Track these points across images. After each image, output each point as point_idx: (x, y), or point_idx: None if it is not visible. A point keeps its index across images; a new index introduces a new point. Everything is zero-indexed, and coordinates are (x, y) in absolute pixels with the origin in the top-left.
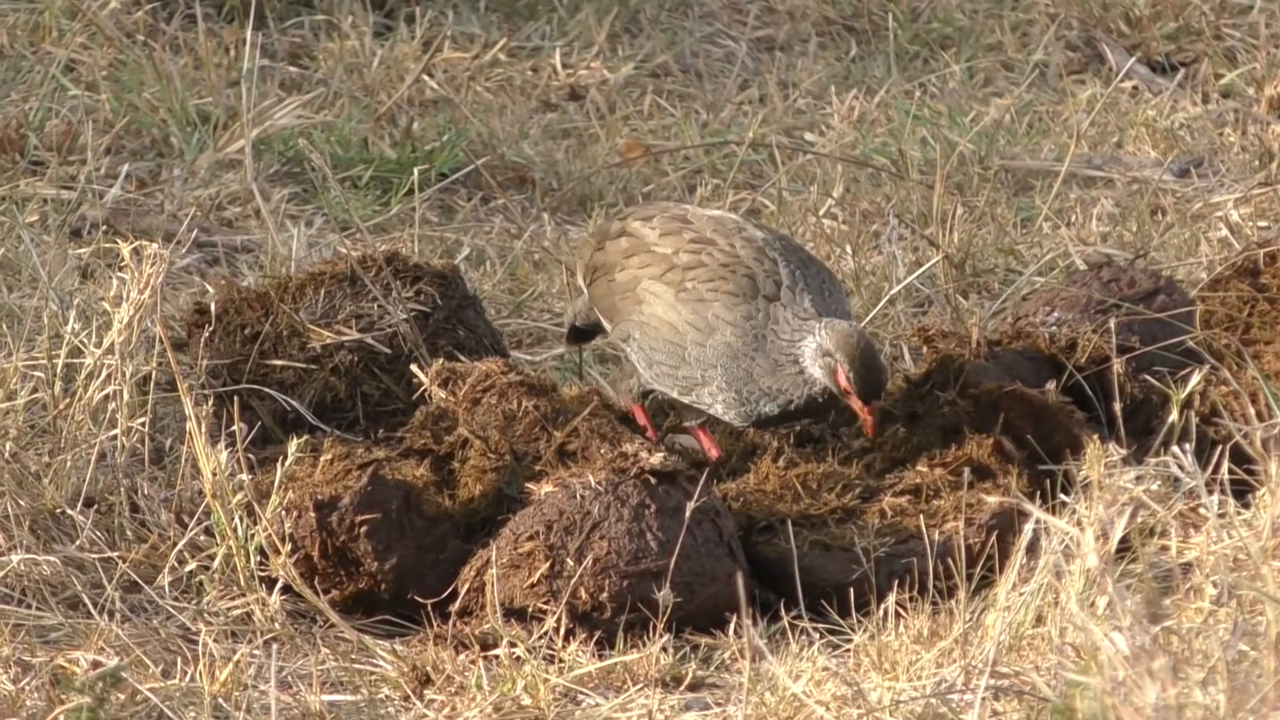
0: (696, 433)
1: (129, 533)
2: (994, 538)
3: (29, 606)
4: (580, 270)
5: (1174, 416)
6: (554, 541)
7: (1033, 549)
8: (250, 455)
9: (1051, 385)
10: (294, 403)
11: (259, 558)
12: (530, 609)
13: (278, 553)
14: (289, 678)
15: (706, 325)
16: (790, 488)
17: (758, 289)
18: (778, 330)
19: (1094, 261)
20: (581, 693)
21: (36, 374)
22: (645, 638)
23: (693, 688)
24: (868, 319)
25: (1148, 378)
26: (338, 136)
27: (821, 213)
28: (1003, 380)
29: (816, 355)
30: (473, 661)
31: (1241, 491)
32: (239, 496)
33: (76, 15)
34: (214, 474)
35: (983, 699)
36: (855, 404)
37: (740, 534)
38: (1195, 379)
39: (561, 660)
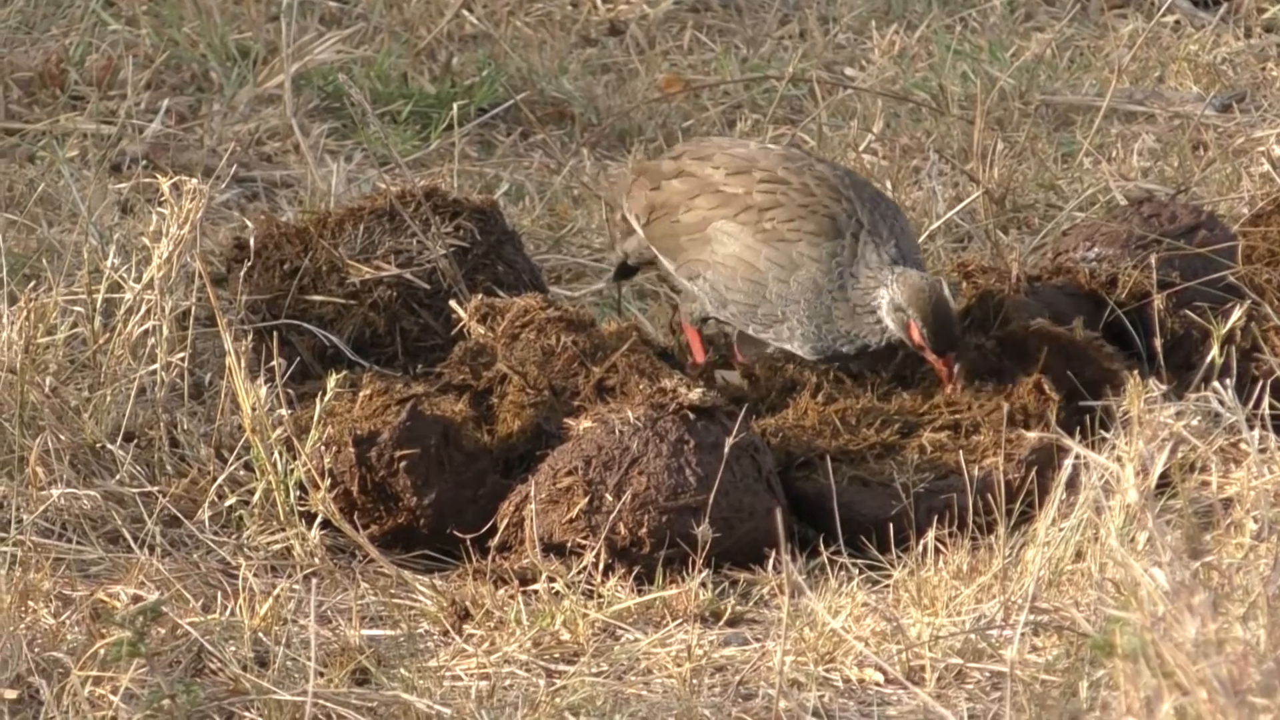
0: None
1: (169, 467)
2: (1033, 473)
3: (69, 541)
4: (633, 211)
5: (1214, 352)
6: (593, 477)
7: (1072, 484)
8: (289, 390)
9: (1079, 321)
10: (333, 338)
11: (298, 493)
12: (569, 544)
13: (317, 488)
14: (328, 612)
15: (790, 262)
16: (829, 423)
17: (840, 229)
18: (857, 275)
19: (1135, 197)
20: (620, 628)
21: (76, 309)
22: (684, 573)
23: (731, 623)
24: None
25: (1188, 313)
26: (377, 71)
27: (861, 148)
28: (1043, 316)
29: (890, 309)
30: (512, 596)
31: None
32: (278, 432)
33: None
34: (253, 409)
35: (1022, 634)
36: (930, 357)
37: (779, 469)
38: (1236, 314)
39: (600, 595)
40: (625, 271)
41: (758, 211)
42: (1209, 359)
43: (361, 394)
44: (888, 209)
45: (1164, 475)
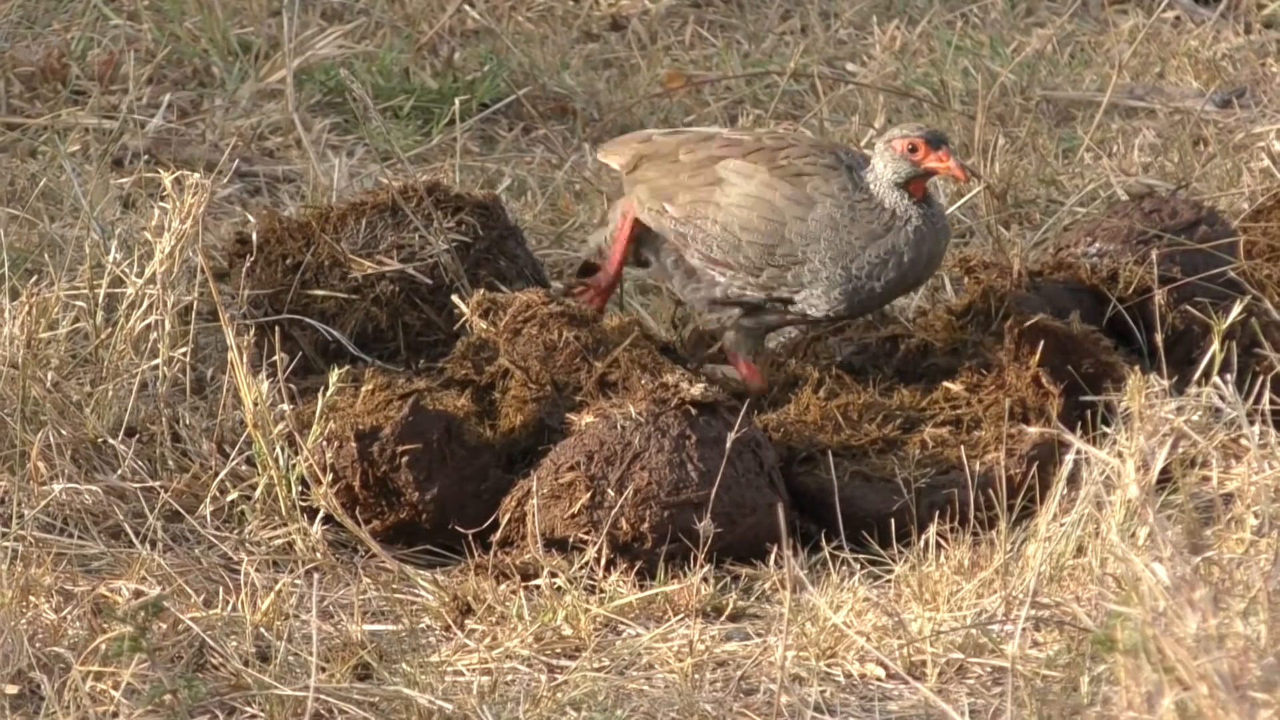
0: (737, 362)
1: (170, 462)
2: (1035, 468)
3: (71, 536)
4: (617, 163)
5: (1215, 347)
6: (595, 472)
7: (1073, 480)
8: (291, 385)
9: (1075, 315)
10: (335, 333)
11: (300, 488)
12: (571, 539)
13: (319, 483)
14: (330, 607)
15: (806, 199)
16: (831, 418)
17: (845, 164)
18: (866, 196)
19: (1136, 192)
20: (622, 623)
21: (78, 304)
22: (686, 568)
23: (733, 618)
24: None
25: (1189, 308)
26: (379, 66)
27: (863, 143)
28: (1044, 311)
29: (875, 163)
30: (514, 591)
31: None
32: (280, 426)
33: None
34: (255, 404)
35: (1023, 629)
36: (934, 163)
37: (781, 465)
38: (1237, 309)
39: (602, 590)
40: (589, 270)
41: (770, 151)
42: (1210, 354)
43: (364, 389)
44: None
45: (1165, 470)
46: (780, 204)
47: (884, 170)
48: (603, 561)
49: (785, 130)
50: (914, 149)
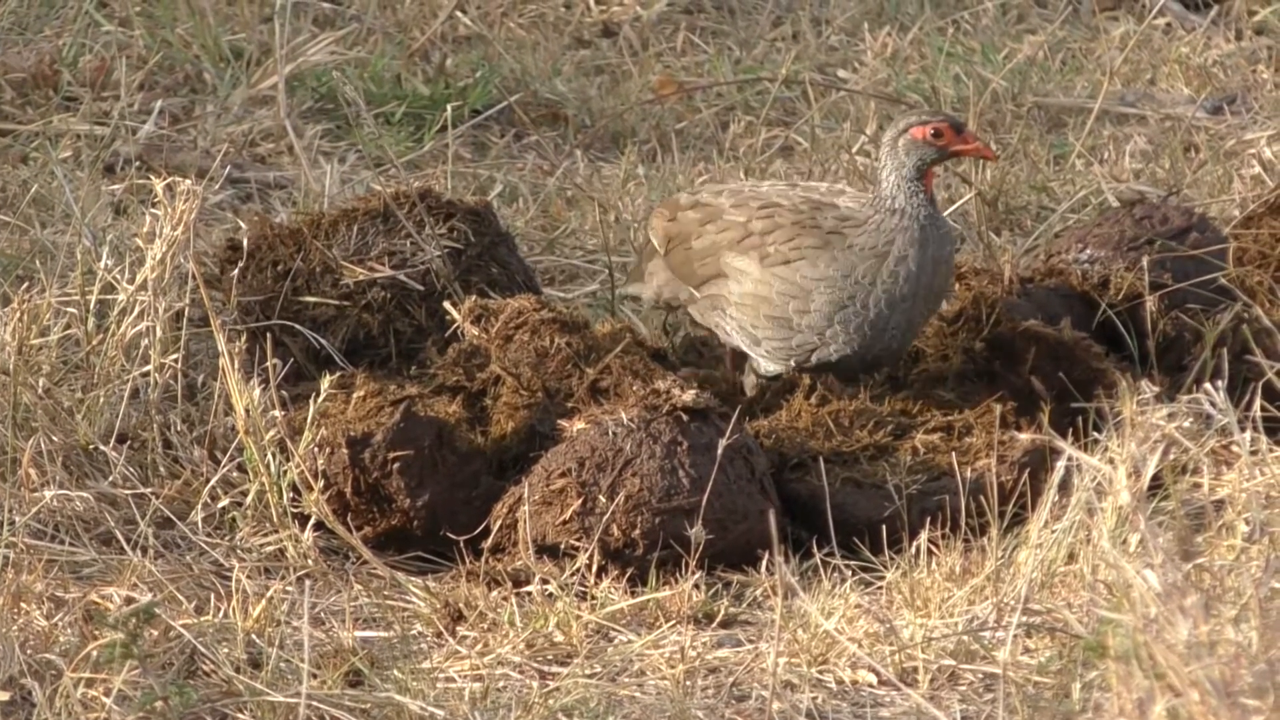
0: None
1: (162, 469)
2: (1026, 475)
3: (62, 542)
4: (657, 241)
5: (1206, 353)
6: (586, 478)
7: (1065, 486)
8: (283, 391)
9: (1066, 321)
10: (324, 341)
11: (292, 494)
12: (562, 546)
13: (310, 489)
14: (322, 614)
15: (802, 291)
16: (822, 425)
17: (824, 232)
18: (856, 225)
19: (1127, 198)
20: (614, 629)
21: (70, 310)
22: (677, 575)
23: (725, 625)
24: None
25: (1180, 315)
26: (371, 73)
27: (854, 150)
28: (1035, 317)
29: (886, 161)
30: (505, 598)
31: (1273, 428)
32: (272, 433)
33: None
34: (247, 410)
35: (1015, 636)
36: (958, 144)
37: (772, 471)
38: (1228, 316)
39: (594, 597)
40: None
41: (759, 238)
42: (1200, 361)
43: (355, 395)
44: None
45: (1156, 477)
46: (778, 300)
47: (905, 160)
48: (594, 568)
49: (780, 198)
50: (938, 134)
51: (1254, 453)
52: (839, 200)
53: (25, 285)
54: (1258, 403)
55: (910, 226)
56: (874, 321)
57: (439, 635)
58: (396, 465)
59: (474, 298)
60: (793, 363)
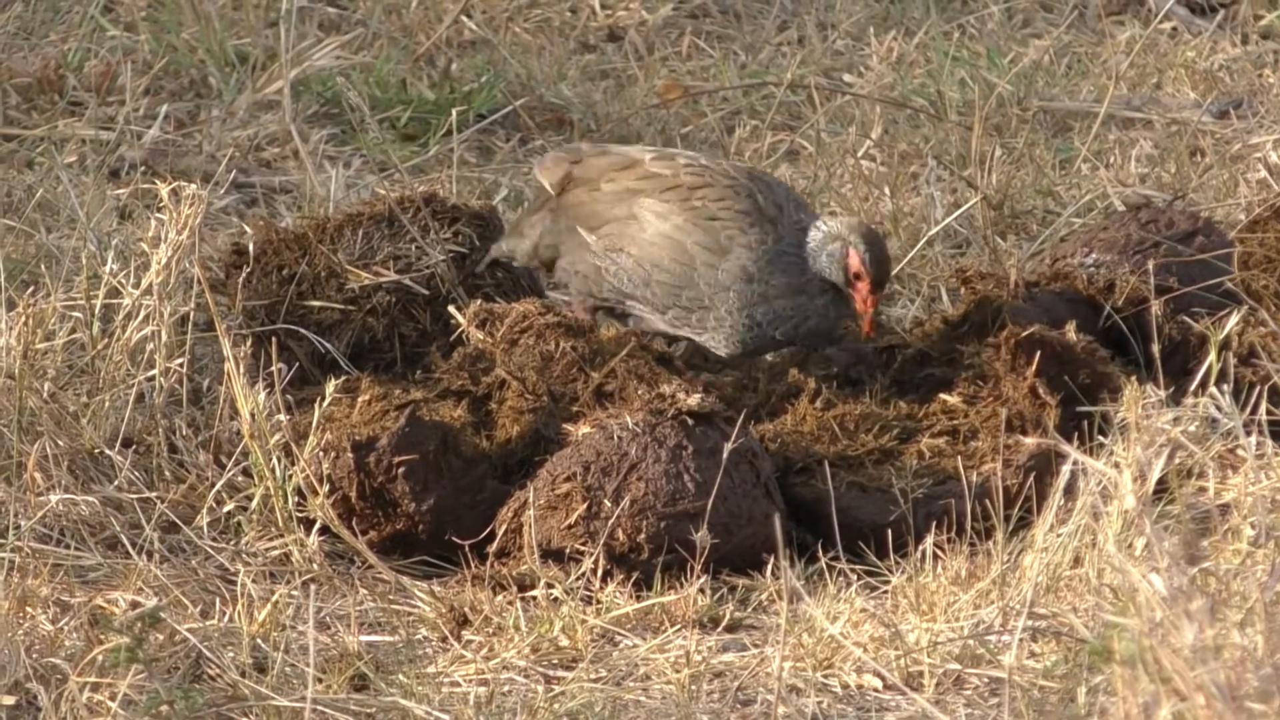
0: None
1: (167, 473)
2: (1032, 479)
3: (67, 547)
4: (548, 180)
5: (1212, 357)
6: (591, 483)
7: (1070, 490)
8: (288, 396)
9: (1071, 326)
10: (328, 345)
11: (297, 498)
12: (568, 550)
13: (315, 493)
14: (327, 618)
15: (719, 246)
16: (828, 429)
17: (763, 212)
18: (790, 245)
19: (1132, 203)
20: (619, 634)
21: (75, 314)
22: (682, 579)
23: (730, 629)
24: (905, 260)
25: (1186, 319)
26: (376, 77)
27: (860, 154)
28: (1041, 321)
29: (825, 242)
30: (510, 602)
31: (1279, 432)
32: (277, 437)
33: None
34: (252, 415)
35: (1020, 640)
36: (862, 290)
37: (777, 475)
38: (1233, 320)
39: (599, 601)
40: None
41: (686, 190)
42: (1206, 365)
43: (360, 400)
44: (787, 190)
45: (1161, 481)
46: (692, 249)
47: (826, 258)
48: (599, 572)
49: (710, 164)
50: (859, 276)
51: (1259, 456)
52: (789, 207)
53: (30, 290)
54: (1263, 406)
55: (821, 297)
56: (757, 324)
57: (444, 640)
58: (401, 470)
59: (479, 302)
60: (669, 316)
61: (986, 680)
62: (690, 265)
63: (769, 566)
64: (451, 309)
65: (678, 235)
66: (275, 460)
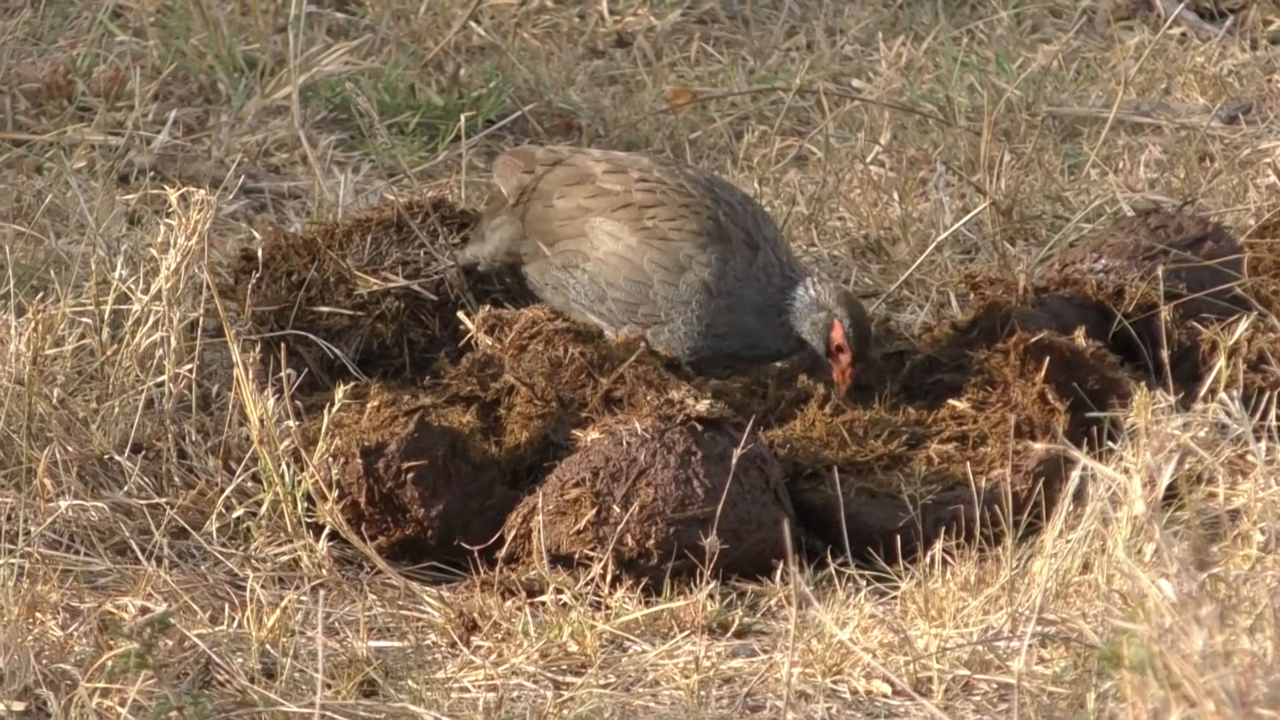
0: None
1: (176, 479)
2: (1041, 485)
3: (77, 552)
4: (504, 188)
5: (1221, 363)
6: (600, 488)
7: (1079, 496)
8: (297, 401)
9: (1080, 331)
10: (338, 351)
11: (306, 504)
12: (577, 555)
13: (325, 499)
14: (336, 624)
15: (676, 265)
16: (837, 434)
17: (725, 232)
18: (768, 270)
19: (1142, 208)
20: (628, 639)
21: (84, 320)
22: (692, 584)
23: (739, 634)
24: (914, 266)
25: (1195, 324)
26: (385, 83)
27: (869, 159)
28: (1050, 327)
29: (811, 307)
30: (519, 608)
31: None
32: (286, 443)
33: None
34: (261, 420)
35: (1029, 646)
36: (842, 362)
37: (787, 481)
38: (1243, 325)
39: (608, 607)
40: (471, 272)
41: (637, 209)
42: (1216, 370)
43: (369, 405)
44: (761, 215)
45: (1171, 487)
46: (648, 267)
47: (810, 324)
48: (608, 578)
49: (666, 177)
50: (840, 349)
51: (1269, 462)
52: (757, 230)
53: (40, 295)
54: (1273, 412)
55: (785, 320)
56: (716, 335)
57: (453, 645)
58: (411, 475)
59: (488, 307)
60: (624, 330)
61: (995, 686)
62: (646, 283)
63: (778, 572)
64: (460, 315)
65: (631, 256)
66: (284, 466)
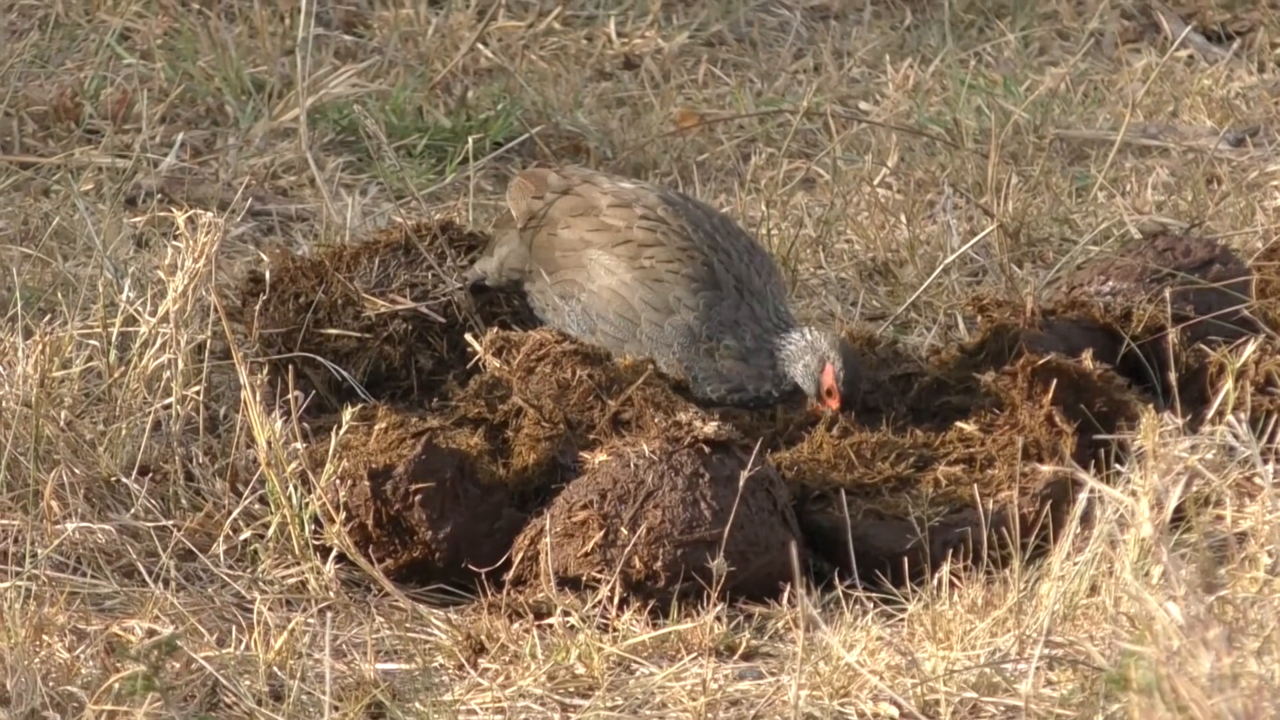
0: None
1: (184, 501)
2: (1048, 507)
3: (84, 575)
4: (514, 210)
5: (1229, 386)
6: (608, 510)
7: (1087, 518)
8: (305, 424)
9: (1088, 354)
10: (345, 373)
11: (313, 526)
12: (584, 578)
13: (332, 521)
14: (343, 646)
15: (665, 306)
16: (844, 456)
17: (717, 280)
18: (757, 319)
19: (1149, 231)
20: (635, 662)
21: (92, 342)
22: (699, 607)
23: (746, 657)
24: (922, 288)
25: (1203, 347)
26: (392, 105)
27: (876, 182)
28: (1057, 350)
29: (803, 350)
30: (527, 630)
31: None
32: (293, 465)
33: None
34: (269, 442)
35: (1037, 668)
36: (832, 406)
37: (794, 503)
38: (1250, 348)
39: (615, 629)
40: (481, 289)
41: (636, 246)
42: (1223, 393)
43: (377, 427)
44: (763, 263)
45: (1178, 509)
46: (638, 305)
47: (801, 368)
48: (616, 600)
49: (669, 217)
50: (830, 393)
51: (1277, 485)
52: (755, 279)
53: (47, 318)
54: None
55: (770, 389)
56: (700, 378)
57: (460, 667)
58: (418, 497)
59: (495, 330)
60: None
61: (1003, 709)
62: (635, 321)
63: (785, 594)
64: (468, 337)
65: (624, 292)
66: (292, 488)
